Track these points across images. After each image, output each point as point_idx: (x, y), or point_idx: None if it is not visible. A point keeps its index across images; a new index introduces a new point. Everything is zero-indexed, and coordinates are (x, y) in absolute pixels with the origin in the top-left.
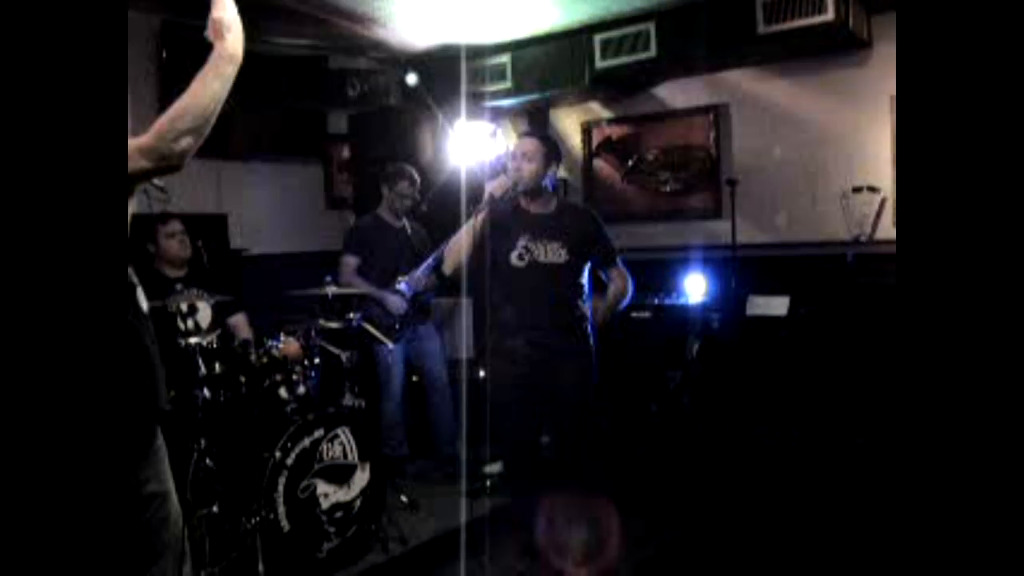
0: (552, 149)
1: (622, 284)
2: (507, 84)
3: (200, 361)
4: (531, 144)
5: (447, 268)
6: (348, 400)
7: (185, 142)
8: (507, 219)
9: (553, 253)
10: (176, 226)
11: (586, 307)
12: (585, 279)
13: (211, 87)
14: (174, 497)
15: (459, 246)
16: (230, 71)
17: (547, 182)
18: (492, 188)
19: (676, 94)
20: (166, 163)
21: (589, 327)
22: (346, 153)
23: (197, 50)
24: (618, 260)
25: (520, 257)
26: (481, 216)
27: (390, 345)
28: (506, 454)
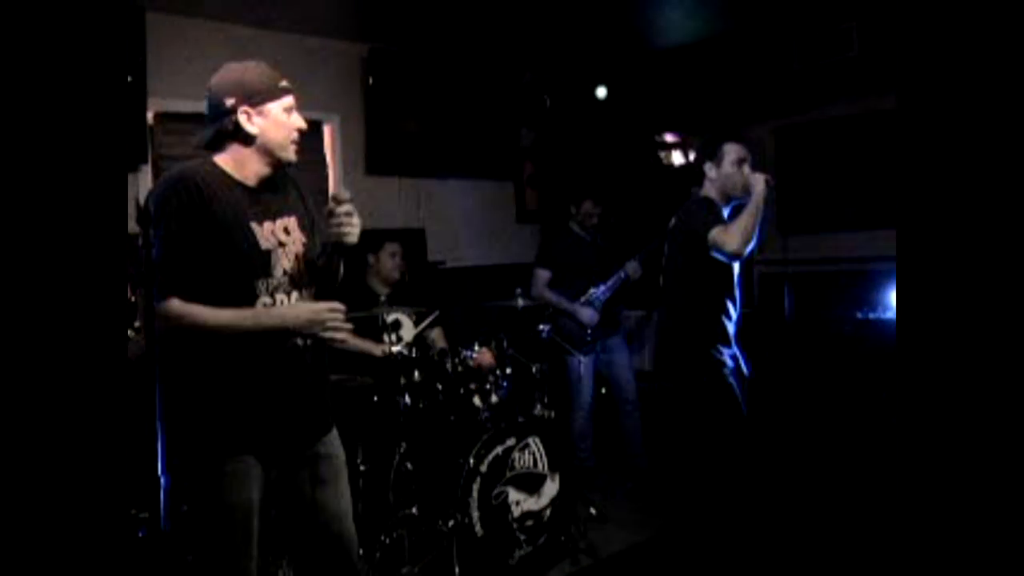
0: None
1: None
2: None
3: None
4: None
5: (738, 251)
6: (538, 410)
7: None
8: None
9: None
10: (397, 247)
11: None
12: None
13: None
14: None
15: (747, 228)
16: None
17: None
18: (767, 177)
19: None
20: None
21: None
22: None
23: (401, 76)
24: None
25: None
26: (763, 197)
27: (580, 357)
28: (722, 476)
